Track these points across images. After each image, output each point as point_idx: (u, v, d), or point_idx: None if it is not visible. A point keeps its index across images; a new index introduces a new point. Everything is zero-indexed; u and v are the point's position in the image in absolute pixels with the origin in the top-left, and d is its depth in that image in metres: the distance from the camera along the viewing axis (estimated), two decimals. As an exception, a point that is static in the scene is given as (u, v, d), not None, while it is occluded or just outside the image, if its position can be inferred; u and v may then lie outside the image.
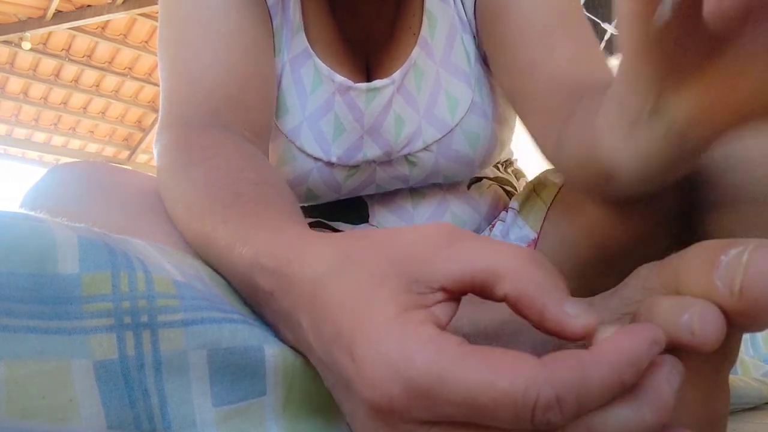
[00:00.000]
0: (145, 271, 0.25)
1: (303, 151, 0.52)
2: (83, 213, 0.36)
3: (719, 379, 0.23)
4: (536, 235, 0.48)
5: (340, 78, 0.51)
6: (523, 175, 0.66)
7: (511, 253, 0.20)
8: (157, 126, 0.44)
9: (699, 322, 0.18)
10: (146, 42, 4.22)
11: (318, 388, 0.28)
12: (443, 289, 0.20)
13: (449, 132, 0.51)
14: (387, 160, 0.53)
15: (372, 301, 0.20)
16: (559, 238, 0.45)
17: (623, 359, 0.17)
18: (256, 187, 0.33)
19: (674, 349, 0.19)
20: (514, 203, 0.53)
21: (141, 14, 3.87)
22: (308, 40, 0.52)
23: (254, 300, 0.28)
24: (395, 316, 0.19)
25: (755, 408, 0.63)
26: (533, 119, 0.44)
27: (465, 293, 0.21)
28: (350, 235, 0.24)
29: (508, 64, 0.46)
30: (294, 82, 0.52)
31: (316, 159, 0.52)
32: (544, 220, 0.48)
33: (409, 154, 0.52)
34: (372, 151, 0.52)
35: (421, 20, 0.51)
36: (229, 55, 0.45)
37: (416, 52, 0.50)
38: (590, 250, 0.42)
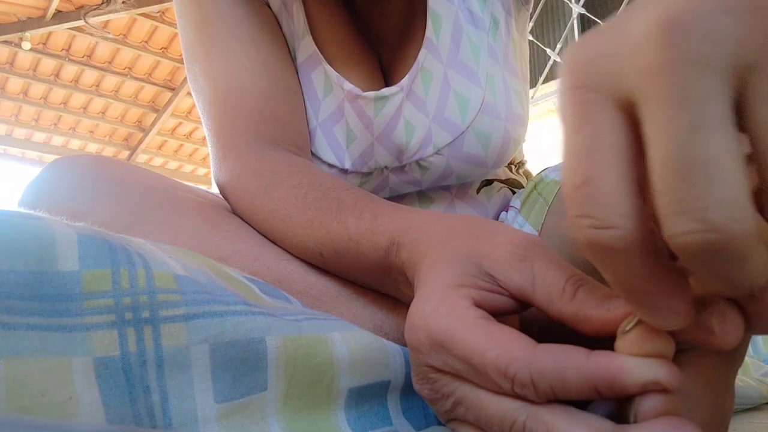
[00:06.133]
0: (145, 267, 0.25)
1: (318, 158, 0.52)
2: (87, 207, 0.36)
3: (729, 381, 0.23)
4: (537, 233, 0.48)
5: (349, 85, 0.50)
6: (532, 177, 0.65)
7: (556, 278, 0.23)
8: (212, 157, 0.48)
9: (718, 320, 0.18)
10: (146, 42, 4.23)
11: (318, 381, 0.28)
12: (507, 291, 0.24)
13: (460, 135, 0.50)
14: (399, 166, 0.52)
15: (443, 271, 0.25)
16: (560, 235, 0.44)
17: (599, 378, 0.19)
18: (348, 191, 0.38)
19: (689, 349, 0.19)
20: (515, 201, 0.53)
21: (141, 14, 3.87)
22: (317, 42, 0.51)
23: (385, 275, 0.34)
24: (447, 286, 0.24)
25: (755, 408, 0.63)
26: None
27: (523, 300, 0.25)
28: (463, 219, 0.30)
29: None
30: (306, 87, 0.52)
31: (331, 166, 0.52)
32: (545, 218, 0.48)
33: (420, 159, 0.51)
34: (383, 158, 0.52)
35: (426, 20, 0.50)
36: (254, 78, 0.48)
37: (423, 54, 0.49)
38: None
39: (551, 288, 0.23)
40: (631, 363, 0.19)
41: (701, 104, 0.14)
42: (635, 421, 0.19)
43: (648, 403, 0.19)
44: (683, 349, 0.20)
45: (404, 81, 0.50)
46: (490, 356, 0.21)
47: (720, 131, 0.14)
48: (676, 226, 0.14)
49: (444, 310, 0.23)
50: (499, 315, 0.24)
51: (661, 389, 0.19)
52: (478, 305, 0.24)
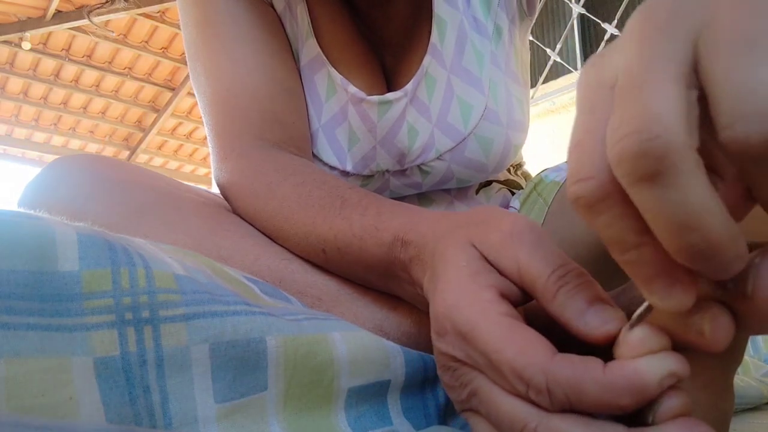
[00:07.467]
0: (145, 267, 0.25)
1: (319, 159, 0.52)
2: (86, 207, 0.37)
3: (727, 381, 0.23)
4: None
5: (353, 88, 0.50)
6: (531, 178, 0.65)
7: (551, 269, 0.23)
8: (213, 157, 0.48)
9: (709, 322, 0.18)
10: (146, 42, 4.22)
11: (318, 381, 0.28)
12: (505, 275, 0.25)
13: (462, 140, 0.50)
14: (400, 170, 0.53)
15: (456, 259, 0.26)
16: (559, 236, 0.44)
17: (620, 387, 0.19)
18: (351, 190, 0.39)
19: (685, 350, 0.19)
20: (514, 202, 0.53)
21: (141, 14, 3.87)
22: (320, 45, 0.51)
23: (388, 271, 0.34)
24: (462, 275, 0.25)
25: (755, 408, 0.63)
26: None
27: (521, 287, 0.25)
28: (468, 210, 0.30)
29: None
30: (308, 89, 0.52)
31: (332, 167, 0.52)
32: (545, 219, 0.48)
33: (422, 163, 0.51)
34: (385, 161, 0.52)
35: (431, 26, 0.50)
36: (255, 79, 0.48)
37: (427, 60, 0.50)
38: (590, 249, 0.42)
39: (534, 280, 0.23)
40: (643, 363, 0.19)
41: (662, 57, 0.16)
42: (653, 422, 0.19)
43: (668, 403, 0.19)
44: (678, 350, 0.20)
45: (409, 86, 0.50)
46: (507, 355, 0.21)
47: (669, 69, 0.15)
48: (615, 136, 0.15)
49: (465, 302, 0.23)
50: (513, 302, 0.24)
51: (676, 381, 0.19)
52: (503, 294, 0.24)
